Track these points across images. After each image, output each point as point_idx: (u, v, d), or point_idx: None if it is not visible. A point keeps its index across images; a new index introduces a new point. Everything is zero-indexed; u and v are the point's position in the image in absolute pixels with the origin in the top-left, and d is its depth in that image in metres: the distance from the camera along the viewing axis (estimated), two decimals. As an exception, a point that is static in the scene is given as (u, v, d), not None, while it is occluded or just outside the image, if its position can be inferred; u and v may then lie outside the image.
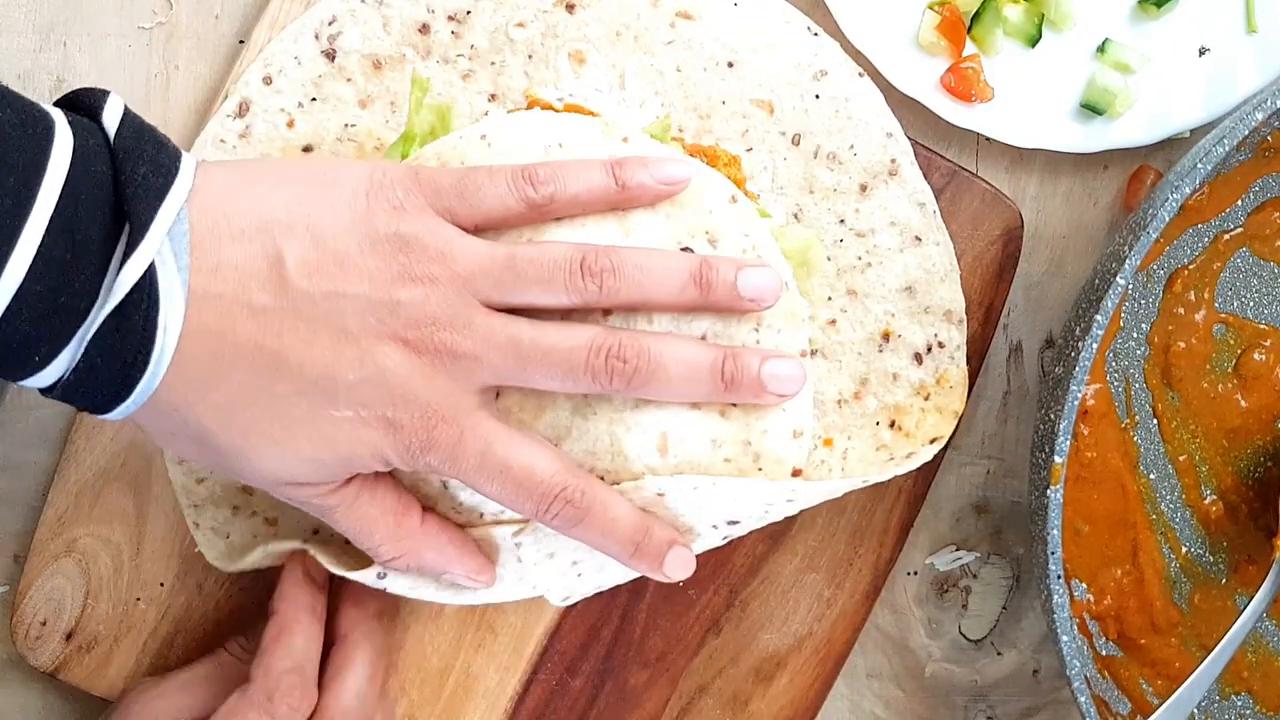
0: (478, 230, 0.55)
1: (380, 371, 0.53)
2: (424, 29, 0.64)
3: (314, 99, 0.64)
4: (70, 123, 0.50)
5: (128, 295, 0.50)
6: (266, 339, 0.52)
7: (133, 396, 0.52)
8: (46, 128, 0.49)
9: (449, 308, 0.53)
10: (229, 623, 0.69)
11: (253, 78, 0.64)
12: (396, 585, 0.60)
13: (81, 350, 0.50)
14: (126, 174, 0.50)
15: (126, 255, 0.49)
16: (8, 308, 0.48)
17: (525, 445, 0.55)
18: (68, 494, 0.68)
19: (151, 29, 0.69)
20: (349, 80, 0.64)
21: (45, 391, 0.52)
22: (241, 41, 0.68)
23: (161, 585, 0.69)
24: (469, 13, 0.64)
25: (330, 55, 0.64)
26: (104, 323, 0.50)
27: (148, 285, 0.50)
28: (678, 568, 0.58)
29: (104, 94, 0.52)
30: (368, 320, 0.52)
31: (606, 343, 0.55)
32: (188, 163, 0.52)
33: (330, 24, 0.64)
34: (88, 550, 0.69)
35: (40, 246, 0.48)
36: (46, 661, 0.69)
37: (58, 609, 0.69)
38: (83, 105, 0.52)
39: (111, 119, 0.51)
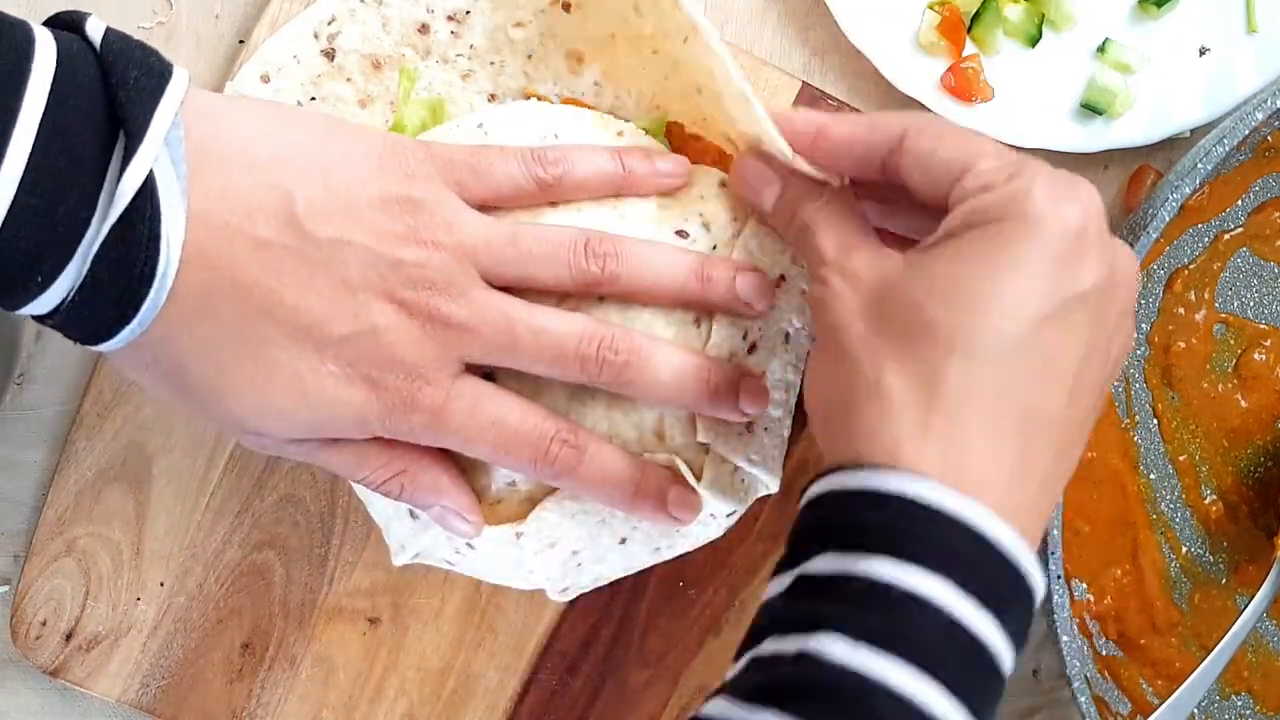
0: (484, 208, 0.55)
1: (372, 328, 0.52)
2: (423, 29, 0.64)
3: (313, 98, 0.64)
4: (52, 33, 0.48)
5: (130, 205, 0.48)
6: (265, 276, 0.51)
7: (138, 317, 0.50)
8: (26, 35, 0.48)
9: (448, 274, 0.53)
10: (229, 623, 0.69)
11: (250, 76, 0.64)
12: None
13: (86, 266, 0.48)
14: (117, 77, 0.48)
15: (125, 163, 0.48)
16: (4, 223, 0.47)
17: (514, 399, 0.55)
18: (68, 494, 0.68)
19: (151, 29, 0.69)
20: (348, 80, 0.64)
21: (45, 319, 0.50)
22: (241, 41, 0.68)
23: (161, 585, 0.69)
24: (468, 13, 0.64)
25: (330, 55, 0.64)
26: (108, 235, 0.48)
27: (150, 194, 0.48)
28: (681, 508, 0.56)
29: (83, 14, 0.50)
30: (368, 274, 0.52)
31: (600, 333, 0.54)
32: (180, 71, 0.50)
33: (330, 23, 0.64)
34: (88, 550, 0.69)
35: (31, 156, 0.46)
36: (46, 661, 0.69)
37: (58, 609, 0.69)
38: (63, 23, 0.50)
39: (95, 30, 0.49)
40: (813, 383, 0.52)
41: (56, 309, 0.49)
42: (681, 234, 0.57)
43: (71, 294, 0.49)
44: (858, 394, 0.48)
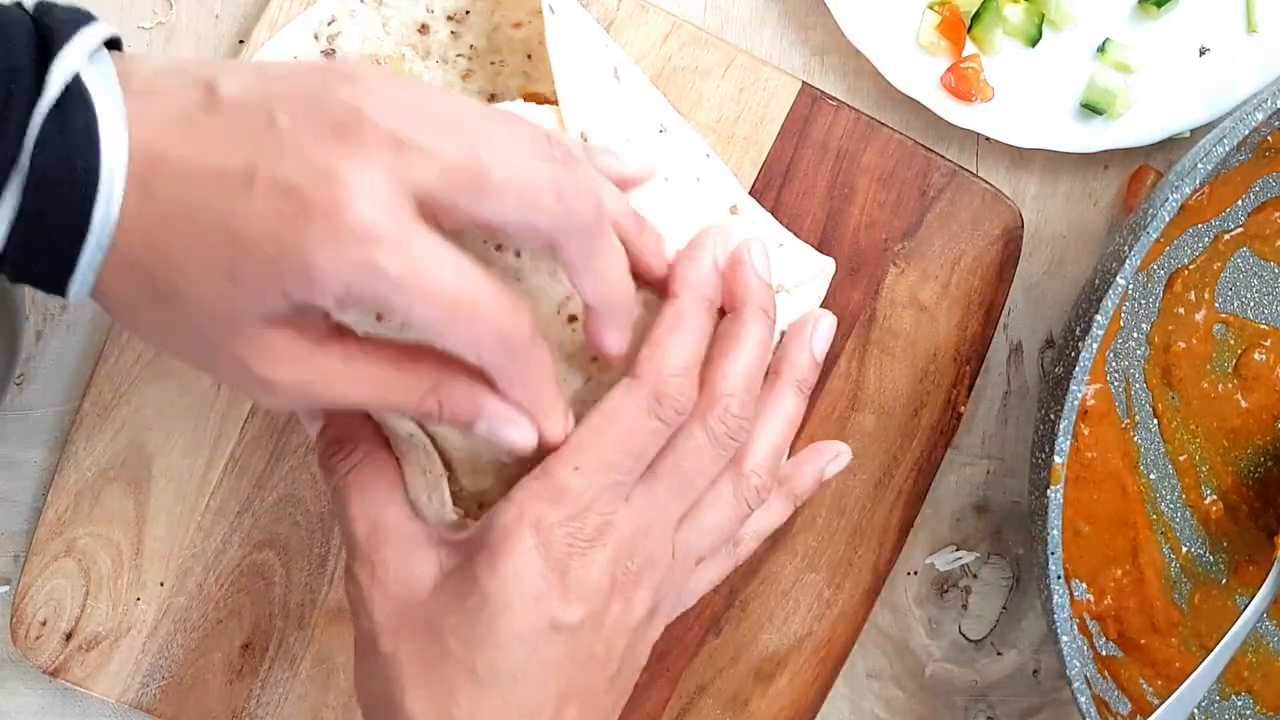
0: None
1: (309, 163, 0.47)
2: (424, 29, 0.64)
3: None
4: None
5: (61, 99, 0.46)
6: (203, 152, 0.48)
7: (92, 231, 0.47)
8: None
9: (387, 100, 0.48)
10: (229, 623, 0.69)
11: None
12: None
13: (28, 169, 0.46)
14: (45, 19, 0.48)
15: (52, 57, 0.47)
16: None
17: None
18: (68, 494, 0.68)
19: (151, 29, 0.69)
20: (349, 80, 0.64)
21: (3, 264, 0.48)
22: (241, 41, 0.68)
23: (161, 585, 0.69)
24: (468, 13, 0.64)
25: (329, 55, 0.64)
26: (43, 128, 0.46)
27: (79, 91, 0.47)
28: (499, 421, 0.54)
29: None
30: (297, 110, 0.48)
31: (568, 180, 0.51)
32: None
33: (329, 24, 0.64)
34: (88, 550, 0.69)
35: None
36: (46, 661, 0.69)
37: (58, 609, 0.69)
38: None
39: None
40: (358, 682, 0.57)
41: (9, 239, 0.47)
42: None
43: (20, 213, 0.47)
44: (390, 710, 0.54)
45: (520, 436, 0.53)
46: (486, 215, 0.49)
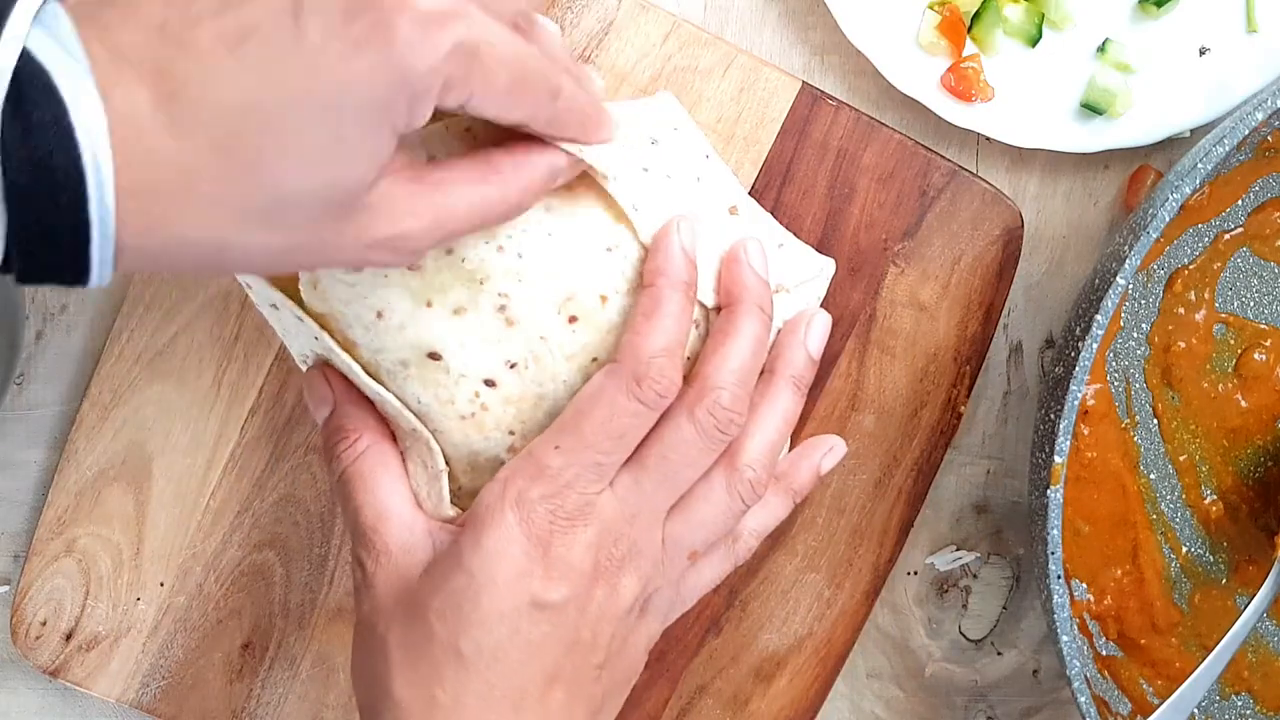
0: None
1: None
2: None
3: None
4: None
5: (16, 89, 0.41)
6: (225, 33, 0.44)
7: (94, 226, 0.42)
8: None
9: None
10: (229, 623, 0.69)
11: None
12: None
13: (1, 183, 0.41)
14: None
15: None
16: None
17: None
18: (68, 494, 0.68)
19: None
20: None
21: (9, 266, 0.43)
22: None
23: (161, 585, 0.69)
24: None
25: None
26: (1, 134, 0.41)
27: (36, 74, 0.41)
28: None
29: None
30: None
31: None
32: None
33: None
34: (88, 550, 0.69)
35: None
36: (46, 661, 0.69)
37: (58, 609, 0.69)
38: None
39: None
40: (353, 668, 0.58)
41: (11, 238, 0.42)
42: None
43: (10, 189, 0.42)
44: (378, 695, 0.55)
45: (604, 132, 0.54)
46: None
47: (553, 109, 0.51)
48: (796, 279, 0.62)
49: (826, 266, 0.64)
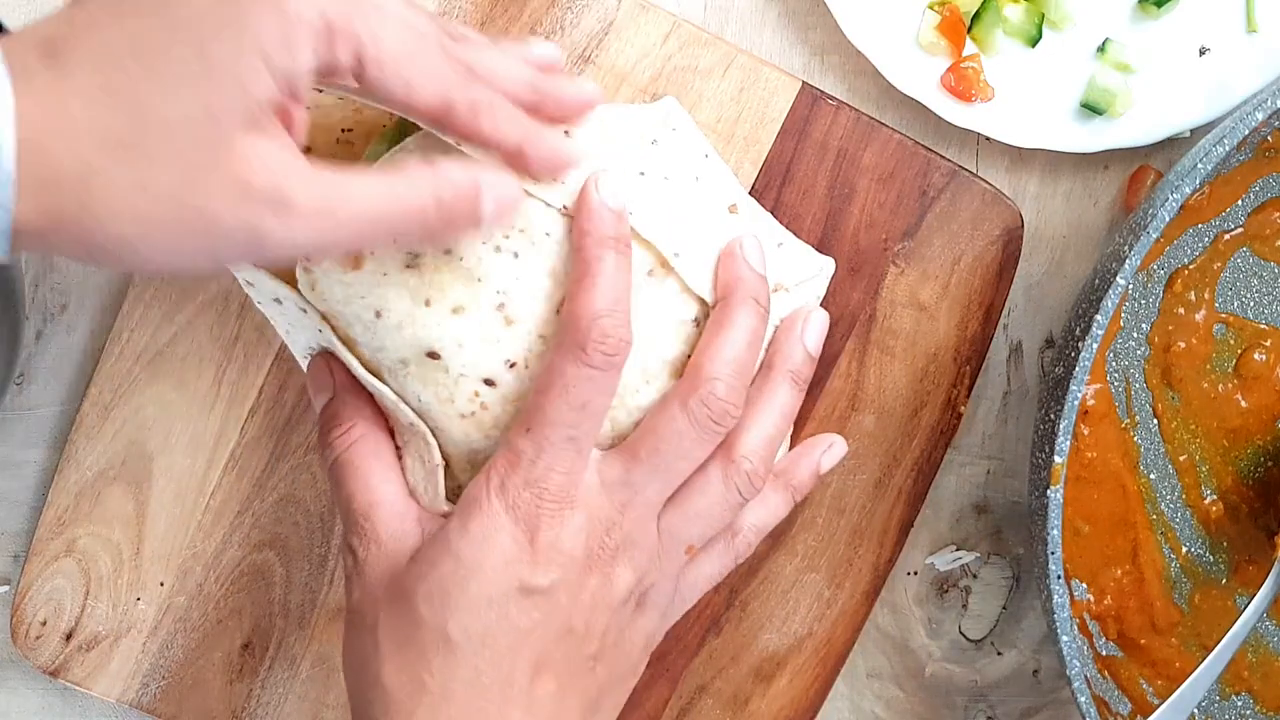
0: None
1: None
2: None
3: (308, 106, 0.64)
4: None
5: None
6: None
7: None
8: None
9: None
10: (229, 623, 0.69)
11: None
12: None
13: None
14: None
15: None
16: None
17: None
18: (68, 494, 0.68)
19: None
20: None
21: None
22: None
23: (161, 585, 0.69)
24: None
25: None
26: None
27: None
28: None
29: None
30: None
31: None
32: None
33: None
34: (88, 550, 0.69)
35: None
36: (46, 661, 0.69)
37: (58, 609, 0.69)
38: None
39: None
40: (344, 657, 0.57)
41: None
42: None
43: None
44: (366, 683, 0.55)
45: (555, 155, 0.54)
46: None
47: (468, 97, 0.50)
48: (796, 278, 0.62)
49: (826, 266, 0.64)
